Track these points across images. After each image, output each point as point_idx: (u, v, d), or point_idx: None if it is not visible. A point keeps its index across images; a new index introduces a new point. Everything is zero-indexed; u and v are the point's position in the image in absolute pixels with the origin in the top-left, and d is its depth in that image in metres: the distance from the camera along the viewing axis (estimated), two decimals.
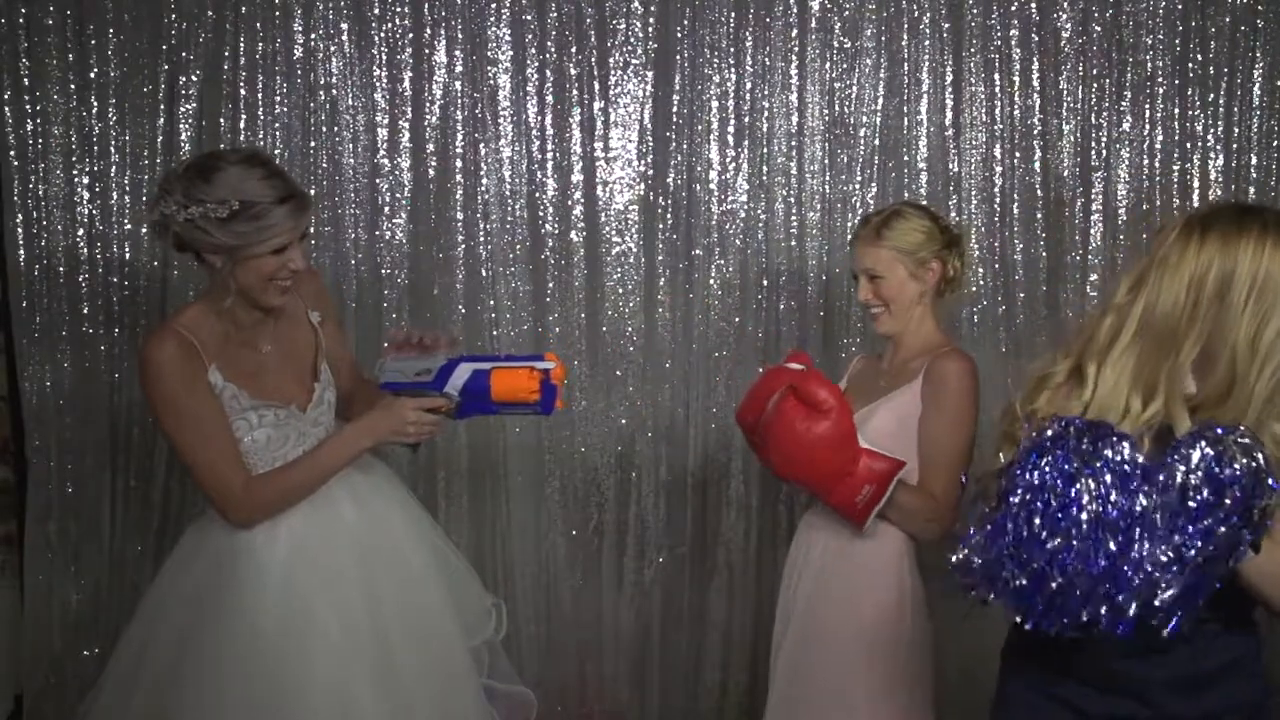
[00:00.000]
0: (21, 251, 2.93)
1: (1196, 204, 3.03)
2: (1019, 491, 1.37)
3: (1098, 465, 1.35)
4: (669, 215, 3.06)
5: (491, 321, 3.04)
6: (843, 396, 2.06)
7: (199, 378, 1.95)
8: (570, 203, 3.05)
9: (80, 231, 2.96)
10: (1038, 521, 1.35)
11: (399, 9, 2.98)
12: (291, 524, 2.04)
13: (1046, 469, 1.37)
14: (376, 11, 2.97)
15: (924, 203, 2.81)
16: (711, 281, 3.07)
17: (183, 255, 2.03)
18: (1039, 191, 3.04)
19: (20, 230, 2.93)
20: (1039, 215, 3.04)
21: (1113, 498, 1.33)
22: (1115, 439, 1.37)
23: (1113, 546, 1.32)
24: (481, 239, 3.04)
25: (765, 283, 3.06)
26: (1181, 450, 1.36)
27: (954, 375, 2.11)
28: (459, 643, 2.19)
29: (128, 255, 2.97)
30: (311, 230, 2.07)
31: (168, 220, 1.92)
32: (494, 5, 2.99)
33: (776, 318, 3.07)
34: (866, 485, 2.03)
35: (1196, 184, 3.03)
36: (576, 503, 3.11)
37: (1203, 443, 1.35)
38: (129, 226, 2.97)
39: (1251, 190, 3.03)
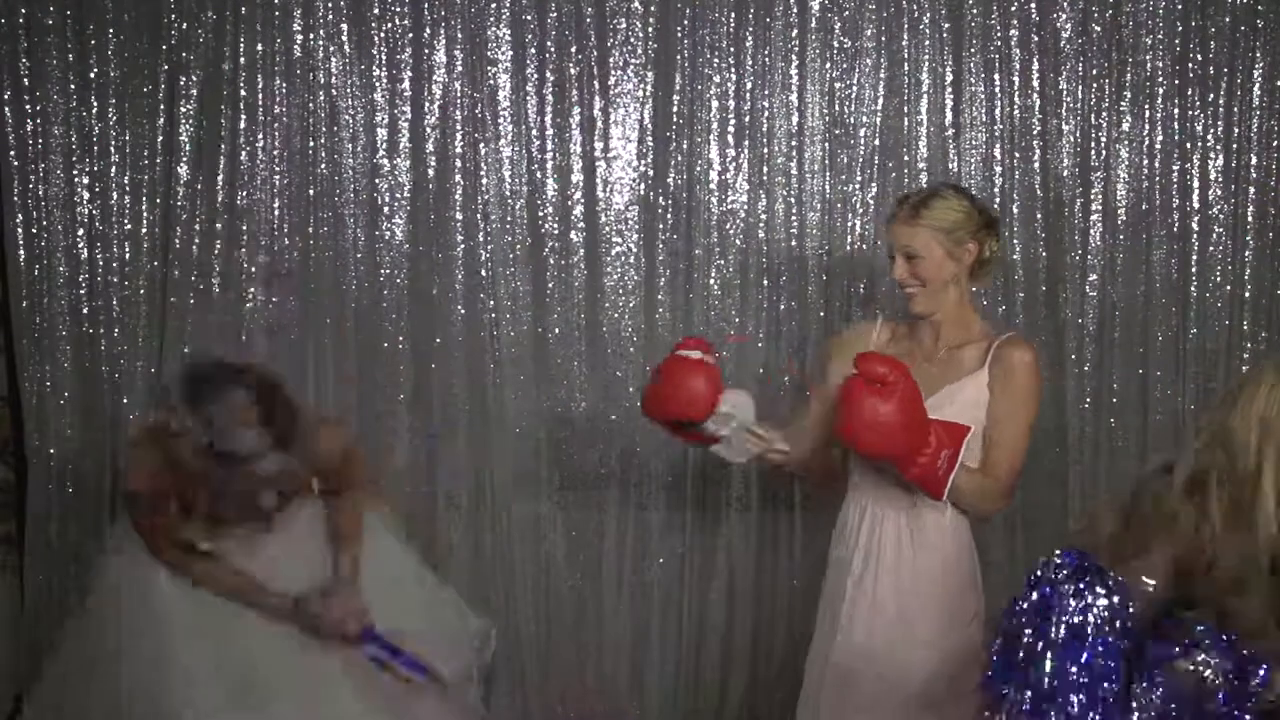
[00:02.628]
0: (21, 251, 2.93)
1: (1196, 204, 3.03)
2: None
3: None
4: (669, 215, 3.06)
5: (491, 321, 3.04)
6: (906, 371, 2.03)
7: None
8: (570, 203, 3.05)
9: (80, 231, 2.95)
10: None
11: (399, 9, 2.97)
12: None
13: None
14: (376, 11, 2.97)
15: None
16: (711, 281, 3.07)
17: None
18: (1039, 191, 3.04)
19: (20, 230, 2.92)
20: (1039, 215, 3.04)
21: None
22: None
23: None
24: (481, 239, 3.03)
25: (765, 283, 3.06)
26: None
27: (1025, 363, 2.15)
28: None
29: (128, 255, 2.97)
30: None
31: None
32: (494, 5, 2.99)
33: (776, 318, 3.07)
34: (944, 451, 2.03)
35: (1196, 184, 3.03)
36: (576, 503, 3.11)
37: None
38: (129, 226, 2.96)
39: (1251, 190, 3.03)
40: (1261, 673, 1.36)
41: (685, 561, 3.13)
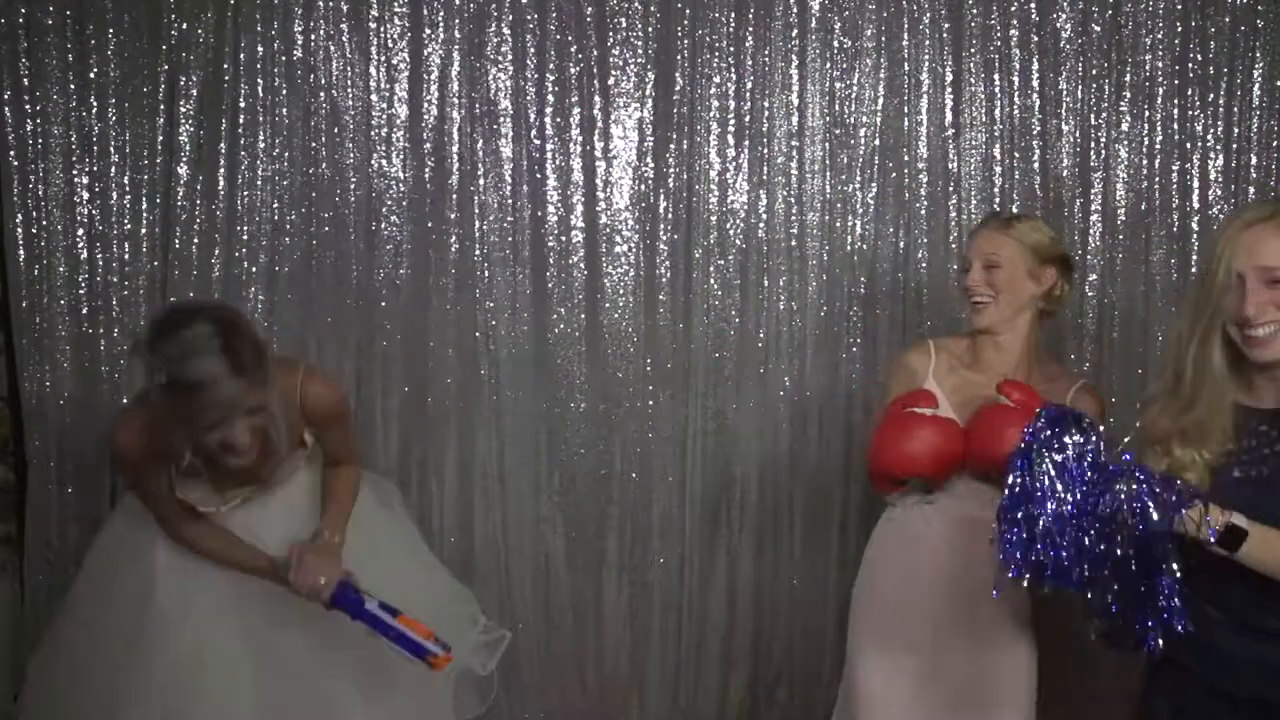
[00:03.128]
0: (21, 251, 2.92)
1: (1196, 204, 3.03)
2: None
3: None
4: (669, 215, 3.06)
5: (491, 322, 3.04)
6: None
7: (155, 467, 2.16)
8: (570, 203, 3.05)
9: (80, 231, 2.95)
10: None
11: (399, 9, 2.97)
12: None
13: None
14: (376, 11, 2.97)
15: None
16: (711, 281, 3.07)
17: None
18: (1038, 191, 3.04)
19: (20, 230, 2.92)
20: (1039, 215, 3.03)
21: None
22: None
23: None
24: (481, 239, 3.04)
25: (765, 283, 3.06)
26: None
27: (1097, 414, 2.17)
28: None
29: (128, 255, 2.97)
30: (266, 404, 2.07)
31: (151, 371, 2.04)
32: (494, 5, 2.99)
33: (776, 318, 3.07)
34: None
35: (1196, 184, 3.03)
36: (576, 503, 3.11)
37: None
38: (129, 226, 2.96)
39: (1251, 190, 3.03)
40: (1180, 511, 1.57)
41: (685, 561, 3.13)
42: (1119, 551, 1.56)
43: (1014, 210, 2.31)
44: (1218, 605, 1.72)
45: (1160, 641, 1.58)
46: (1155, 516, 1.55)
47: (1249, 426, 1.72)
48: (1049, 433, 1.63)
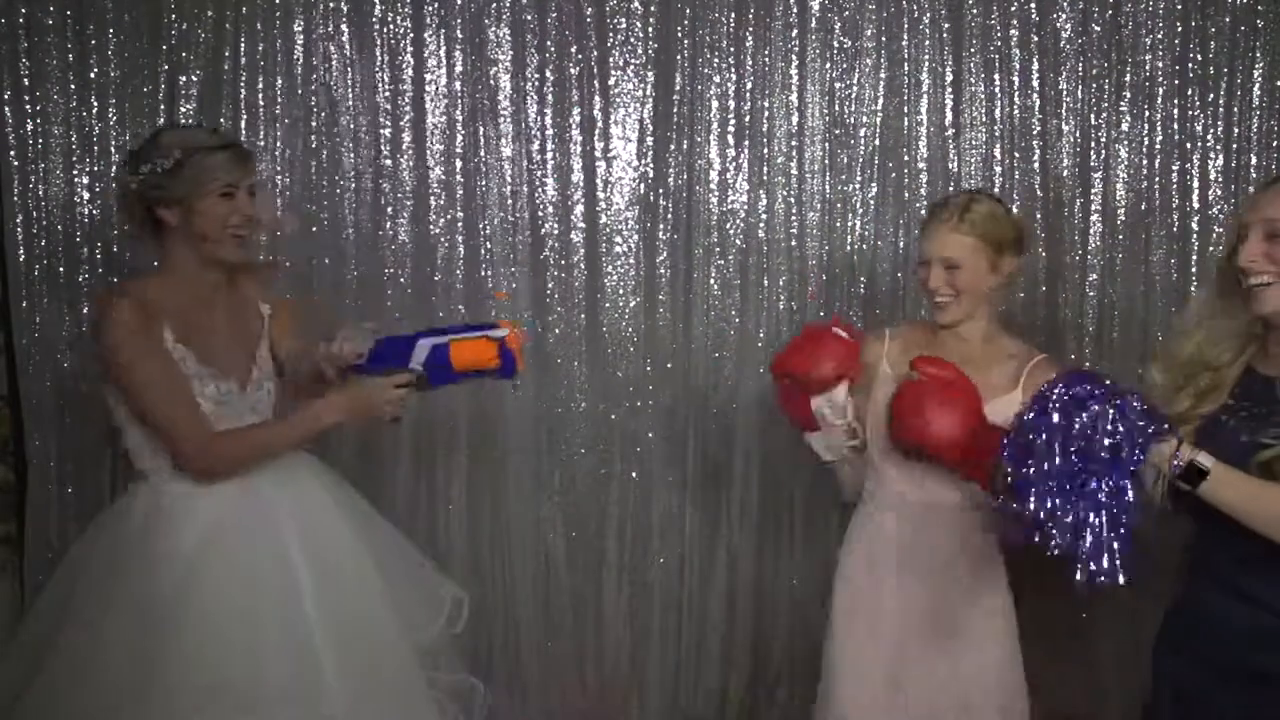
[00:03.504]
0: (21, 251, 2.93)
1: (1196, 204, 3.03)
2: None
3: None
4: (669, 215, 3.06)
5: (491, 322, 3.03)
6: (969, 382, 2.08)
7: (154, 336, 2.06)
8: (570, 203, 3.05)
9: (80, 231, 2.95)
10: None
11: (399, 9, 2.98)
12: (205, 523, 2.08)
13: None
14: (376, 11, 2.97)
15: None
16: (711, 281, 3.07)
17: (145, 235, 2.16)
18: (1038, 191, 3.04)
19: (20, 230, 2.92)
20: (1038, 215, 3.04)
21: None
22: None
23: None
24: (481, 239, 3.04)
25: (765, 283, 3.06)
26: None
27: None
28: (393, 639, 2.19)
29: (127, 255, 2.97)
30: (256, 190, 2.16)
31: (125, 189, 2.10)
32: (494, 5, 2.99)
33: (776, 318, 3.07)
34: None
35: (1196, 184, 3.03)
36: (576, 503, 3.11)
37: None
38: (129, 226, 2.96)
39: (1251, 190, 3.02)
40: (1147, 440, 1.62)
41: (685, 561, 3.13)
42: (1087, 471, 1.60)
43: (977, 194, 2.19)
44: (1209, 571, 1.78)
45: (1104, 575, 1.59)
46: (1125, 447, 1.59)
47: (1253, 389, 1.78)
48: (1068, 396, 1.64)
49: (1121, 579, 1.58)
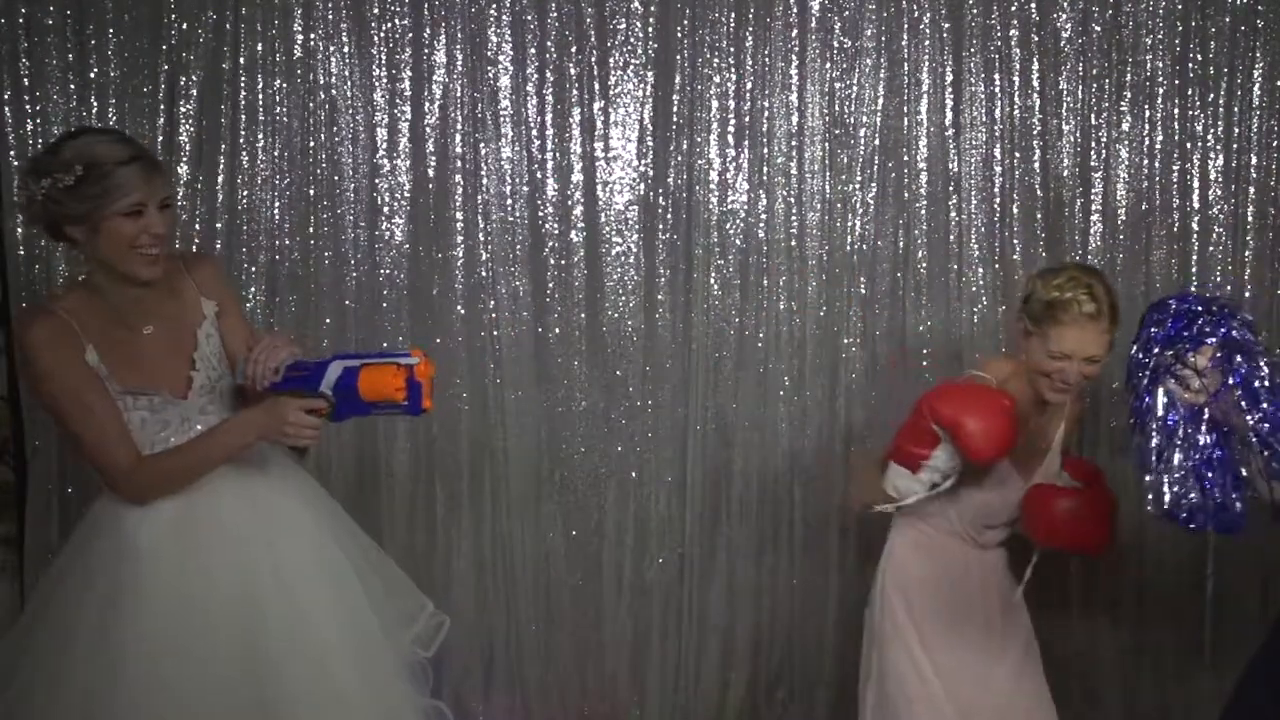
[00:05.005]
0: (21, 251, 2.93)
1: (1196, 204, 3.03)
2: None
3: None
4: (669, 215, 3.06)
5: (491, 321, 3.04)
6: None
7: (76, 357, 1.96)
8: (570, 203, 3.05)
9: None
10: None
11: (399, 9, 2.97)
12: (158, 524, 2.02)
13: None
14: (376, 11, 2.97)
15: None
16: (711, 281, 3.07)
17: (57, 242, 2.05)
18: (1039, 191, 3.04)
19: (20, 230, 2.92)
20: (1039, 215, 3.04)
21: None
22: None
23: None
24: (481, 239, 3.03)
25: (765, 283, 3.06)
26: None
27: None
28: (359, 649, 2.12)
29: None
30: (173, 202, 2.05)
31: (29, 200, 1.95)
32: (494, 5, 2.99)
33: (776, 318, 3.07)
34: None
35: (1196, 184, 3.03)
36: (576, 503, 3.11)
37: None
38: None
39: (1251, 190, 3.03)
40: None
41: (685, 561, 3.13)
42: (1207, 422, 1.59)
43: (1100, 282, 2.28)
44: None
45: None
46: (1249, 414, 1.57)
47: None
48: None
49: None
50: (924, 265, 3.05)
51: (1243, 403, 1.57)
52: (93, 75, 2.91)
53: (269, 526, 2.10)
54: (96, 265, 2.00)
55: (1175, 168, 3.03)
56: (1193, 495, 1.59)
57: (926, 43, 3.00)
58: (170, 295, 2.11)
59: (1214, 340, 1.59)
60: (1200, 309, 1.63)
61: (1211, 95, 3.00)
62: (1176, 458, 1.61)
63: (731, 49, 3.01)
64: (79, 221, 1.94)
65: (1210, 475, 1.60)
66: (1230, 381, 1.57)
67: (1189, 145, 3.02)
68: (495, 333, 3.04)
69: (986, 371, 2.34)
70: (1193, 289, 2.19)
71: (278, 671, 2.00)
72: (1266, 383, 1.58)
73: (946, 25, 2.99)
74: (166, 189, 2.00)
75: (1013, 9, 2.99)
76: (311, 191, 2.99)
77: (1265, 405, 1.57)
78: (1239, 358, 1.58)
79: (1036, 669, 2.43)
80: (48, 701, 1.96)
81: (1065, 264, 2.50)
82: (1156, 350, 1.64)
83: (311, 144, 2.99)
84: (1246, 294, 3.04)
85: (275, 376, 1.98)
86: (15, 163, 2.89)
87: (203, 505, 2.05)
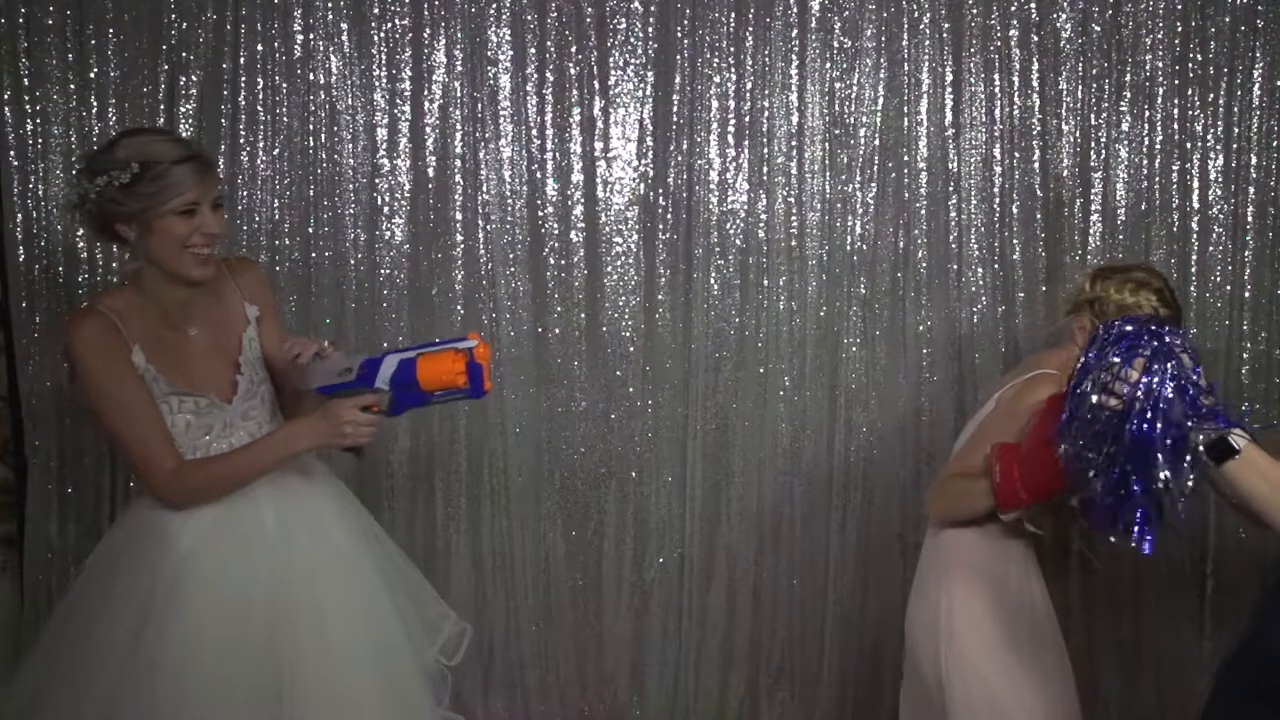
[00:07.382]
0: (21, 251, 2.93)
1: (1196, 204, 3.03)
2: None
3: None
4: (669, 215, 3.06)
5: (491, 321, 3.04)
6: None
7: (121, 357, 1.96)
8: (570, 203, 3.05)
9: (80, 231, 2.95)
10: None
11: (399, 9, 2.98)
12: (200, 526, 2.02)
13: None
14: (376, 11, 2.97)
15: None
16: (711, 281, 3.07)
17: (107, 242, 2.07)
18: (1038, 191, 3.04)
19: (20, 230, 2.92)
20: (1038, 215, 3.04)
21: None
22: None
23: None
24: (481, 239, 3.04)
25: (765, 283, 3.06)
26: None
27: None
28: (387, 660, 2.12)
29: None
30: (224, 201, 2.05)
31: (83, 199, 1.96)
32: (494, 5, 2.99)
33: (776, 318, 3.07)
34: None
35: (1196, 184, 3.03)
36: (576, 503, 3.11)
37: None
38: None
39: (1251, 190, 3.03)
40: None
41: (685, 561, 3.13)
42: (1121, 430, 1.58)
43: (1155, 271, 2.30)
44: None
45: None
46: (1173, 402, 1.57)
47: None
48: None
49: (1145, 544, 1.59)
50: (924, 265, 3.05)
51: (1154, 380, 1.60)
52: (93, 75, 2.91)
53: (305, 530, 2.10)
54: (146, 265, 2.00)
55: (1175, 167, 3.03)
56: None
57: (926, 43, 3.00)
58: (215, 299, 2.11)
59: (1146, 353, 1.61)
60: (1130, 329, 1.65)
61: (1211, 95, 3.01)
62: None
63: (731, 49, 3.01)
64: (131, 220, 1.95)
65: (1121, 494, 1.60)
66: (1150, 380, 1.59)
67: (1189, 145, 3.02)
68: (495, 333, 3.04)
69: (1049, 366, 2.29)
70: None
71: (295, 672, 2.00)
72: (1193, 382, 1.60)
73: (946, 25, 2.99)
74: (219, 189, 2.01)
75: (1013, 9, 2.99)
76: (311, 191, 2.99)
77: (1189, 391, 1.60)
78: (1170, 364, 1.60)
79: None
80: (76, 702, 1.95)
81: (1128, 264, 2.42)
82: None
83: (311, 144, 2.99)
84: (1246, 294, 3.04)
85: (303, 363, 1.99)
86: (15, 162, 2.90)
87: (243, 507, 2.05)
